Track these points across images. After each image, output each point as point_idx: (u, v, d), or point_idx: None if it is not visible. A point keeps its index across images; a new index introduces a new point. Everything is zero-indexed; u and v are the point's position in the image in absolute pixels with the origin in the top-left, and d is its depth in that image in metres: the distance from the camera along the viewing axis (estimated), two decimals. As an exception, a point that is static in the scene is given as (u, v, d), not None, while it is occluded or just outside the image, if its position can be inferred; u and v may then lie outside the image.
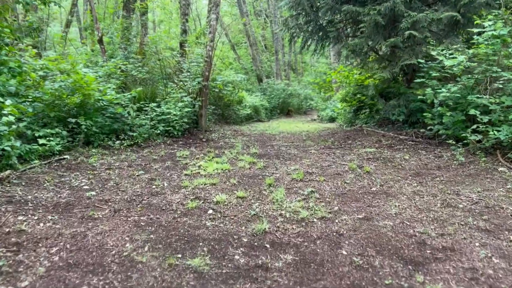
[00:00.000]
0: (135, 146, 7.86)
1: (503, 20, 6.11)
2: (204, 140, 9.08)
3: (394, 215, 4.20)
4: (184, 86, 9.72)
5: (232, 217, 4.12)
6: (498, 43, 5.79)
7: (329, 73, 14.27)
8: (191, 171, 5.96)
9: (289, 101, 23.28)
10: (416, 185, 5.31)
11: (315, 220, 4.05)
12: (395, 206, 4.48)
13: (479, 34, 6.17)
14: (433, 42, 8.14)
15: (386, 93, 9.99)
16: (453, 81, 7.74)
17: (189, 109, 8.97)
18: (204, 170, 6.03)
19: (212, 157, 7.03)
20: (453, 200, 4.69)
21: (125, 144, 7.72)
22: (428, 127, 7.83)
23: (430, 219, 4.10)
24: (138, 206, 4.42)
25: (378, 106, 9.34)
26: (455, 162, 6.34)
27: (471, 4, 7.81)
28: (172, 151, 7.56)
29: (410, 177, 5.70)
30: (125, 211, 4.25)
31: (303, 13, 10.04)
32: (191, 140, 8.93)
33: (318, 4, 9.70)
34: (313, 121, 19.04)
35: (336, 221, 4.04)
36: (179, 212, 4.23)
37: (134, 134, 7.90)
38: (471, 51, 6.22)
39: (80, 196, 4.73)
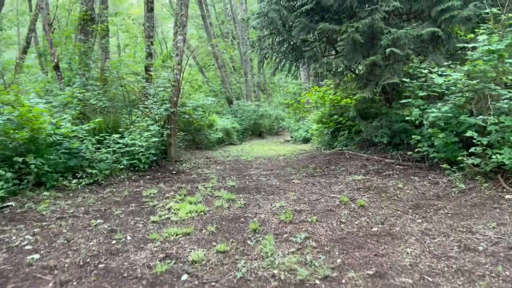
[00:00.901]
0: (95, 184, 6.81)
1: (497, 34, 5.61)
2: (174, 172, 8.13)
3: (409, 267, 3.41)
4: (150, 113, 8.79)
5: (213, 283, 3.22)
6: (495, 58, 5.26)
7: (303, 94, 13.72)
8: (160, 216, 5.01)
9: (260, 122, 22.64)
10: (420, 221, 4.58)
11: (317, 282, 3.20)
12: (407, 253, 3.71)
13: (473, 49, 5.63)
14: (416, 59, 7.62)
15: (366, 114, 9.41)
16: (438, 100, 7.21)
17: (157, 139, 8.04)
18: (175, 214, 5.09)
19: (184, 195, 6.10)
20: (469, 240, 3.96)
21: (83, 183, 6.68)
22: (416, 150, 7.21)
23: (453, 270, 3.34)
24: (93, 273, 3.44)
25: (360, 128, 8.71)
26: (454, 189, 5.68)
27: (452, 19, 7.36)
28: (138, 189, 6.57)
29: (410, 211, 4.98)
30: (74, 283, 3.26)
31: (276, 32, 9.40)
32: (159, 174, 7.95)
33: (292, 23, 9.08)
34: (287, 142, 18.39)
35: (343, 281, 3.21)
36: (144, 281, 3.28)
37: (94, 171, 6.86)
38: (465, 67, 5.67)
39: (19, 262, 3.70)
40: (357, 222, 4.65)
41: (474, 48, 5.99)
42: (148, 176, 7.67)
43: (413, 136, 7.16)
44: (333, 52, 10.03)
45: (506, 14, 5.89)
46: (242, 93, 26.34)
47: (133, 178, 7.40)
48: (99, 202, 5.79)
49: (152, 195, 6.16)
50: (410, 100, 6.97)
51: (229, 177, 7.78)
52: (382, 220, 4.65)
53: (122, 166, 7.47)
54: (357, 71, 9.69)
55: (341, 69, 9.74)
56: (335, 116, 10.89)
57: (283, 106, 24.66)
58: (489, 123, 5.44)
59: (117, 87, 8.72)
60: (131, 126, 8.32)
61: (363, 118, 8.99)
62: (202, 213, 5.13)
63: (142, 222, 4.85)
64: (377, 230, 4.36)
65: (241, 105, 22.56)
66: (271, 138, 22.57)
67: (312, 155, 10.75)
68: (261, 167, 9.16)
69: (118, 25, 27.59)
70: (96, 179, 6.90)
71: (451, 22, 7.50)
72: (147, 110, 8.93)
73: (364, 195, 5.80)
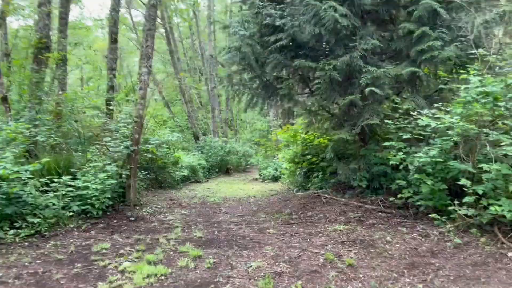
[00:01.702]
0: (37, 236, 5.71)
1: (489, 75, 5.23)
2: (132, 219, 7.12)
3: None
4: (108, 151, 7.83)
5: None
6: (490, 101, 4.83)
7: (274, 132, 13.15)
8: (111, 282, 4.03)
9: (227, 158, 21.82)
10: (421, 287, 3.87)
11: None
12: (419, 337, 2.96)
13: (465, 91, 5.20)
14: (398, 99, 7.20)
15: (342, 155, 8.86)
16: (419, 143, 6.76)
17: (114, 181, 7.05)
18: (129, 278, 4.12)
19: (142, 251, 5.13)
20: (486, 315, 3.28)
21: (22, 234, 5.58)
22: (399, 196, 6.64)
23: None
24: None
25: (335, 169, 8.11)
26: (448, 244, 5.06)
27: (432, 60, 7.04)
28: (88, 243, 5.53)
29: (406, 272, 4.28)
30: None
31: (248, 68, 8.83)
32: (115, 221, 6.91)
33: (265, 59, 8.55)
34: (255, 180, 17.63)
35: None
36: None
37: (36, 220, 5.79)
38: (458, 110, 5.22)
39: None
40: (349, 289, 3.88)
41: (456, 90, 5.62)
42: (101, 225, 6.62)
43: (397, 181, 6.60)
44: (307, 90, 9.55)
45: (494, 55, 5.59)
46: (209, 128, 25.60)
47: (83, 227, 6.33)
48: (37, 261, 4.73)
49: (103, 251, 5.15)
50: (392, 142, 6.45)
51: (195, 225, 6.86)
52: (377, 286, 3.91)
53: (71, 213, 6.40)
54: (331, 111, 9.22)
55: (314, 108, 9.25)
56: (309, 156, 10.30)
57: (251, 143, 24.10)
58: (484, 169, 4.93)
59: (71, 123, 7.75)
60: (85, 166, 7.32)
61: (339, 159, 8.42)
62: (163, 277, 4.19)
63: (87, 291, 3.86)
64: (375, 300, 3.60)
65: (208, 141, 21.74)
66: (239, 175, 21.73)
67: (285, 197, 10.01)
68: (231, 211, 8.29)
69: (79, 57, 26.58)
70: (39, 229, 5.81)
71: (431, 62, 7.19)
72: (104, 148, 7.97)
73: (351, 251, 5.06)
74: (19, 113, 8.21)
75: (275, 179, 16.51)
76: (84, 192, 6.74)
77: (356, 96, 7.30)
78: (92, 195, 6.75)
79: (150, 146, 8.40)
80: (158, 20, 24.53)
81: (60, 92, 8.46)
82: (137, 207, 7.94)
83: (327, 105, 9.00)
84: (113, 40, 11.55)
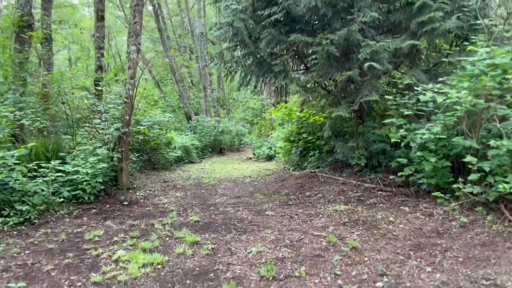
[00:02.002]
0: (27, 224, 5.45)
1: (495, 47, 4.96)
2: (126, 203, 6.87)
3: None
4: (98, 134, 7.50)
5: None
6: (500, 74, 4.57)
7: (269, 110, 12.84)
8: (104, 273, 3.80)
9: (220, 138, 21.54)
10: (430, 270, 3.69)
11: None
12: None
13: (472, 64, 4.92)
14: (398, 74, 6.92)
15: (339, 133, 8.63)
16: (418, 119, 6.54)
17: (105, 165, 6.76)
18: (124, 268, 3.90)
19: (137, 238, 4.90)
20: (501, 299, 3.12)
21: (11, 223, 5.30)
22: (400, 174, 6.44)
23: None
24: None
25: (332, 147, 7.88)
26: (454, 223, 4.90)
27: (433, 32, 6.74)
28: (80, 230, 5.28)
29: (412, 254, 4.10)
30: None
31: (242, 44, 8.45)
32: (108, 206, 6.66)
33: (258, 34, 8.17)
34: (249, 160, 17.43)
35: None
36: None
37: (25, 207, 5.50)
38: (464, 84, 4.95)
39: None
40: (354, 273, 3.70)
41: (457, 63, 5.36)
42: (94, 210, 6.36)
43: (398, 160, 6.39)
44: (302, 67, 9.23)
45: (501, 26, 5.30)
46: (201, 108, 25.18)
47: (75, 213, 6.06)
48: (26, 251, 4.48)
49: (96, 238, 4.91)
50: (393, 119, 6.20)
51: (191, 208, 6.64)
52: (384, 270, 3.73)
53: (62, 199, 6.13)
54: (327, 88, 8.93)
55: (310, 84, 8.95)
56: (304, 135, 10.06)
57: (244, 122, 23.76)
58: (490, 146, 4.72)
59: (58, 104, 7.37)
60: (75, 150, 7.00)
61: (337, 137, 8.19)
62: (159, 266, 3.97)
63: (80, 284, 3.62)
64: (383, 286, 3.42)
65: (201, 121, 21.39)
66: (232, 155, 21.51)
67: (281, 177, 9.81)
68: (227, 193, 8.08)
69: (66, 36, 25.72)
70: (28, 217, 5.54)
71: (431, 35, 6.89)
72: (94, 130, 7.63)
73: (354, 233, 4.88)
74: (3, 96, 7.80)
75: (269, 158, 16.31)
76: (75, 177, 6.45)
77: (354, 71, 7.02)
78: (83, 179, 6.47)
79: (141, 127, 8.07)
80: (146, -3, 23.72)
81: (45, 73, 8.03)
82: (131, 191, 7.68)
83: (323, 82, 8.71)
84: (100, 17, 11.03)
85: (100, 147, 7.32)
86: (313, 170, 8.87)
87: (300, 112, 10.98)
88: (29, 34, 7.68)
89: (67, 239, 4.89)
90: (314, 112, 10.13)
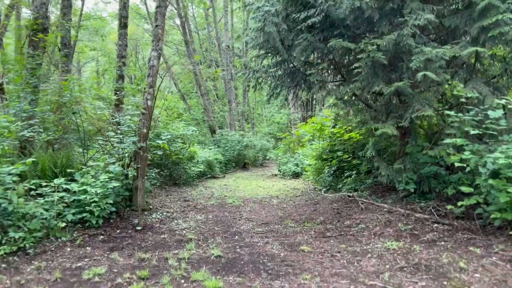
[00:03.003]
0: (20, 254, 4.56)
1: None
2: (139, 228, 5.92)
3: None
4: (112, 148, 6.65)
5: None
6: None
7: (299, 126, 11.82)
8: (96, 338, 2.83)
9: (244, 153, 20.62)
10: None
11: None
12: None
13: None
14: (461, 86, 5.80)
15: (380, 152, 7.50)
16: (478, 140, 5.39)
17: (117, 184, 5.86)
18: (123, 331, 2.91)
19: (145, 280, 3.91)
20: None
21: (2, 252, 4.43)
22: (460, 204, 5.27)
23: None
24: None
25: (379, 170, 6.74)
26: (553, 277, 3.70)
27: (501, 37, 5.61)
28: (79, 265, 4.34)
29: (509, 324, 2.95)
30: None
31: (273, 52, 7.51)
32: (118, 232, 5.73)
33: (292, 41, 7.22)
34: (274, 176, 16.37)
35: None
36: None
37: (18, 234, 4.62)
38: None
39: None
40: None
41: None
42: (101, 237, 5.43)
43: (460, 187, 5.23)
44: (339, 77, 8.20)
45: None
46: (225, 122, 24.41)
47: (79, 241, 5.14)
48: (9, 294, 3.56)
49: (96, 278, 3.94)
50: (457, 139, 5.07)
51: (212, 237, 5.63)
52: None
53: (64, 223, 5.23)
54: (368, 100, 7.85)
55: (346, 97, 7.89)
56: (339, 153, 8.96)
57: (269, 136, 22.78)
58: None
59: (69, 114, 6.58)
60: (85, 166, 6.15)
61: (380, 158, 7.06)
62: (169, 328, 2.96)
63: None
64: None
65: (225, 135, 20.55)
66: (256, 170, 20.50)
67: (312, 199, 8.71)
68: (253, 217, 7.05)
69: (95, 48, 25.56)
70: (22, 245, 4.66)
71: (499, 41, 5.75)
72: (108, 144, 6.79)
73: (417, 283, 3.74)
74: (10, 104, 7.08)
75: (295, 175, 15.22)
76: (82, 197, 5.56)
77: (405, 82, 5.92)
78: (91, 200, 5.57)
79: (160, 142, 7.20)
80: (174, 8, 23.34)
81: (59, 79, 7.28)
82: (146, 212, 6.75)
83: (363, 95, 7.65)
84: (123, 25, 10.35)
85: (113, 163, 6.44)
86: (350, 194, 7.74)
87: (333, 127, 9.91)
88: (40, 37, 6.96)
89: (62, 278, 3.94)
90: (350, 128, 9.04)
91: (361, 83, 6.34)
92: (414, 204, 6.49)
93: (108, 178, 5.91)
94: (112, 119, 7.63)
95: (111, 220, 6.11)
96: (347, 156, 8.76)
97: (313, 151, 10.57)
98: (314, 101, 25.79)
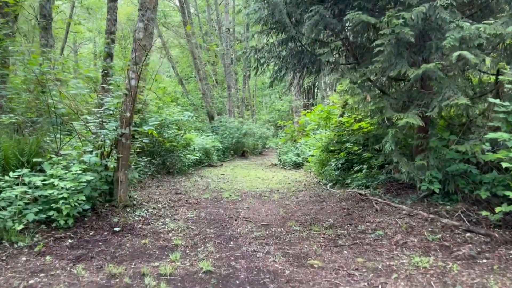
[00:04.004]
0: (-39, 264, 3.61)
1: None
2: (117, 229, 4.96)
3: None
4: (90, 135, 5.65)
5: None
6: None
7: (303, 113, 10.80)
8: None
9: (243, 140, 19.61)
10: None
11: None
12: None
13: None
14: (508, 67, 4.77)
15: (401, 146, 6.52)
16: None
17: (90, 177, 4.86)
18: None
19: (111, 309, 2.97)
20: None
21: None
22: (498, 210, 4.32)
23: None
24: None
25: (399, 166, 5.77)
26: None
27: (555, 11, 4.59)
28: (31, 283, 3.38)
29: None
30: None
31: (279, 28, 6.45)
32: (91, 234, 4.76)
33: (300, 15, 6.17)
34: (274, 166, 15.41)
35: None
36: None
37: (-41, 240, 3.67)
38: None
39: None
40: None
41: None
42: (69, 241, 4.46)
43: (502, 191, 4.27)
44: (351, 60, 7.16)
45: None
46: (224, 108, 23.32)
47: (40, 246, 4.16)
48: None
49: (47, 305, 3.00)
50: (503, 134, 4.08)
51: (203, 242, 4.68)
52: None
53: (23, 224, 4.26)
54: (383, 86, 6.83)
55: (360, 81, 6.86)
56: (347, 144, 7.97)
57: (269, 124, 21.73)
58: None
59: (39, 95, 5.55)
60: (55, 156, 5.15)
61: (400, 152, 6.06)
62: None
63: None
64: None
65: (223, 121, 19.51)
66: (255, 159, 19.54)
67: (317, 194, 7.76)
68: (252, 216, 6.09)
69: (90, 28, 24.27)
70: (-34, 252, 3.70)
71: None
72: (86, 130, 5.79)
73: (468, 324, 2.80)
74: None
75: (296, 165, 14.28)
76: (48, 192, 4.58)
77: (435, 64, 4.90)
78: (60, 196, 4.59)
79: (147, 128, 6.21)
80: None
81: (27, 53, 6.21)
82: (128, 209, 5.78)
83: (379, 79, 6.65)
84: (112, -2, 9.24)
85: (91, 151, 5.45)
86: (361, 192, 6.78)
87: (341, 116, 8.91)
88: (9, 2, 5.83)
89: (2, 304, 2.99)
90: (360, 117, 8.04)
91: (382, 65, 5.31)
92: (438, 207, 5.54)
93: (81, 169, 4.92)
94: (100, 101, 6.60)
95: (86, 219, 5.14)
96: (357, 148, 7.78)
97: (317, 141, 9.59)
98: (317, 88, 24.69)
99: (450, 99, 4.95)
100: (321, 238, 4.89)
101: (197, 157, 13.31)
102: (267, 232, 5.15)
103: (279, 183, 9.85)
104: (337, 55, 7.38)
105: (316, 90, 25.34)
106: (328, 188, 8.12)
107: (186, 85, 25.81)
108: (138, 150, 8.86)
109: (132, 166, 7.97)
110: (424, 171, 5.64)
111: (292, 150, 15.18)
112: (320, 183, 8.98)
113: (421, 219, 5.21)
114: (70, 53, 27.15)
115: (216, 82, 26.56)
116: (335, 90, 12.05)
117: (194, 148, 13.54)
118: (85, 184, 4.87)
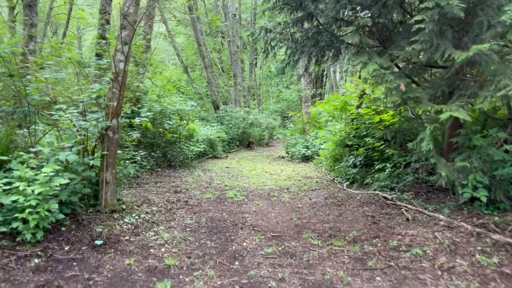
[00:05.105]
0: None
1: None
2: (98, 243, 4.04)
3: None
4: (71, 127, 4.71)
5: None
6: None
7: (317, 104, 9.79)
8: None
9: (249, 131, 18.68)
10: None
11: None
12: None
13: None
14: None
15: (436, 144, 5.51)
16: None
17: (64, 180, 3.94)
18: None
19: None
20: None
21: None
22: None
23: None
24: None
25: (437, 169, 4.78)
26: None
27: None
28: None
29: None
30: None
31: (293, 4, 5.42)
32: (66, 250, 3.84)
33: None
34: (281, 158, 14.49)
35: None
36: None
37: None
38: None
39: None
40: None
41: None
42: (36, 260, 3.55)
43: None
44: (376, 43, 6.12)
45: None
46: (230, 97, 22.32)
47: (-4, 269, 3.29)
48: None
49: None
50: None
51: (202, 262, 3.75)
52: None
53: (-23, 242, 3.36)
54: (411, 74, 5.79)
55: (387, 65, 5.83)
56: (368, 139, 6.98)
57: (276, 114, 20.70)
58: None
59: (2, 79, 4.60)
60: (25, 153, 4.22)
61: (438, 152, 5.07)
62: None
63: None
64: None
65: (229, 111, 18.55)
66: (262, 150, 18.62)
67: (332, 195, 6.80)
68: (260, 224, 5.16)
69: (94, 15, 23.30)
70: None
71: None
72: (65, 121, 4.85)
73: None
74: None
75: (305, 158, 13.34)
76: (10, 199, 3.67)
77: (490, 44, 3.88)
78: (26, 204, 3.68)
79: (140, 119, 5.25)
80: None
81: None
82: (116, 215, 4.86)
83: (408, 65, 5.63)
84: (107, -26, 8.21)
85: (71, 147, 4.52)
86: (387, 196, 5.81)
87: (359, 107, 7.90)
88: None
89: None
90: (382, 108, 7.04)
91: (421, 46, 4.29)
92: (483, 217, 4.56)
93: (55, 170, 3.99)
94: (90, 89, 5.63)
95: (63, 228, 4.23)
96: (379, 144, 6.80)
97: (332, 134, 8.62)
98: (325, 77, 23.52)
99: (507, 88, 3.94)
100: (346, 257, 3.94)
101: (201, 149, 12.42)
102: (280, 248, 4.21)
103: (288, 179, 8.91)
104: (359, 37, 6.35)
105: (324, 79, 24.18)
106: (345, 187, 7.16)
107: (191, 73, 24.77)
108: (136, 142, 7.94)
109: (127, 162, 7.06)
110: (465, 174, 4.66)
111: (300, 142, 14.20)
112: (335, 181, 8.01)
113: (465, 233, 4.24)
114: (70, 40, 26.13)
115: (222, 71, 25.50)
116: (359, 76, 10.97)
117: (198, 140, 12.63)
118: (58, 188, 3.95)
